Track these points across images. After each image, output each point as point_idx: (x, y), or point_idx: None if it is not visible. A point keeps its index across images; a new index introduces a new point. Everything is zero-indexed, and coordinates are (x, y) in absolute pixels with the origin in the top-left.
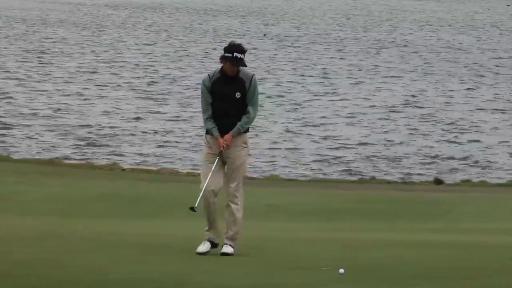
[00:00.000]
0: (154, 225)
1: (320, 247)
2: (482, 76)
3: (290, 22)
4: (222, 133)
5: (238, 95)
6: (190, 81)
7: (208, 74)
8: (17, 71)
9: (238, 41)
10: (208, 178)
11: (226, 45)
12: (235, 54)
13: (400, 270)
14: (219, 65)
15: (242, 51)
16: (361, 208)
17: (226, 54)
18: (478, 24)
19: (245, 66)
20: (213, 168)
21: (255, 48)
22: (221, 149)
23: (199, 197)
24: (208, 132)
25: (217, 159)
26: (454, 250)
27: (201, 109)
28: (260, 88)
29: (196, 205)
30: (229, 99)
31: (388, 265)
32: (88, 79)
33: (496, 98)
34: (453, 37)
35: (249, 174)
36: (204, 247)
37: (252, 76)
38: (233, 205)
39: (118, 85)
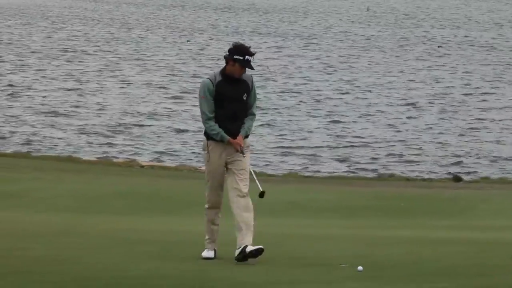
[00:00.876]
0: (172, 222)
1: (338, 244)
2: (504, 73)
3: (315, 19)
4: (230, 136)
5: (245, 96)
6: None
7: (209, 78)
8: (38, 68)
9: (244, 42)
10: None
11: (233, 47)
12: (246, 56)
13: (418, 268)
14: (217, 67)
15: (252, 53)
16: (379, 205)
17: (236, 57)
18: (503, 21)
19: (253, 69)
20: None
21: (279, 47)
22: (238, 151)
23: (258, 182)
24: (213, 137)
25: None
26: (471, 247)
27: (201, 116)
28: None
29: (261, 190)
30: (237, 101)
31: (406, 262)
32: (108, 76)
33: None
34: (478, 34)
35: (268, 171)
36: (211, 253)
37: (252, 77)
38: (249, 214)
39: (137, 83)
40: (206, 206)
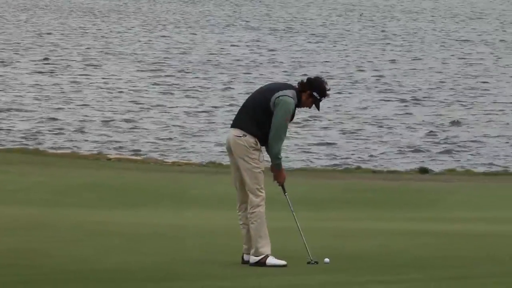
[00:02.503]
0: (141, 215)
1: (306, 236)
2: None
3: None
4: None
5: None
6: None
7: (293, 98)
8: (9, 61)
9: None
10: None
11: (316, 82)
12: (323, 98)
13: (387, 259)
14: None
15: (327, 95)
16: (347, 197)
17: (315, 94)
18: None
19: (318, 110)
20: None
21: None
22: (280, 185)
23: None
24: (275, 159)
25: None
26: (440, 239)
27: (278, 135)
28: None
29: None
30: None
31: (375, 254)
32: (78, 68)
33: (485, 87)
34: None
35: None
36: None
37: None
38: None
39: (108, 75)
40: (263, 204)
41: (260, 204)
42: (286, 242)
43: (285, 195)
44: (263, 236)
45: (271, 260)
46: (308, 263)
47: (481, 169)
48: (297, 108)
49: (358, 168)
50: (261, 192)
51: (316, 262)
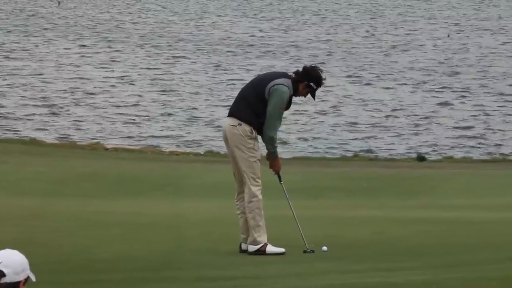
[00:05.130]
0: (139, 204)
1: (304, 225)
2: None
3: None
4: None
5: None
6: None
7: (288, 87)
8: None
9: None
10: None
11: (312, 71)
12: (319, 88)
13: (384, 247)
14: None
15: (323, 85)
16: (345, 185)
17: (312, 84)
18: None
19: (314, 100)
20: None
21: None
22: (276, 173)
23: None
24: (270, 147)
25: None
26: (438, 226)
27: (272, 123)
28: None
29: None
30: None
31: (372, 242)
32: (78, 59)
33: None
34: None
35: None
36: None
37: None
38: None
39: (106, 66)
40: (259, 194)
41: (257, 193)
42: (283, 230)
43: (281, 184)
44: (260, 225)
45: (270, 248)
46: (304, 251)
47: (479, 156)
48: (292, 97)
49: (355, 156)
50: (258, 181)
51: (312, 251)
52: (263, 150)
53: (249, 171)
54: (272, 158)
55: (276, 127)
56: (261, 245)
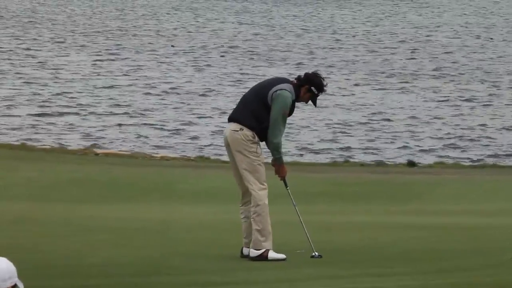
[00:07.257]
0: (129, 210)
1: (295, 230)
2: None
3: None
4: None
5: None
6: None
7: (290, 93)
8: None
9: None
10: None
11: (314, 77)
12: (320, 94)
13: (375, 253)
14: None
15: (325, 91)
16: (335, 190)
17: (313, 89)
18: None
19: (315, 106)
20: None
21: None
22: (282, 179)
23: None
24: (275, 153)
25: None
26: (428, 232)
27: (276, 128)
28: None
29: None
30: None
31: (363, 247)
32: (67, 63)
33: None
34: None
35: (222, 158)
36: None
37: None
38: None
39: (99, 70)
40: (266, 197)
41: (263, 197)
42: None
43: (287, 189)
44: (266, 230)
45: (272, 254)
46: (312, 257)
47: (470, 162)
48: (295, 103)
49: (346, 161)
50: (264, 184)
51: (320, 256)
52: (266, 155)
53: (254, 175)
54: (278, 164)
55: (280, 133)
56: (264, 250)
